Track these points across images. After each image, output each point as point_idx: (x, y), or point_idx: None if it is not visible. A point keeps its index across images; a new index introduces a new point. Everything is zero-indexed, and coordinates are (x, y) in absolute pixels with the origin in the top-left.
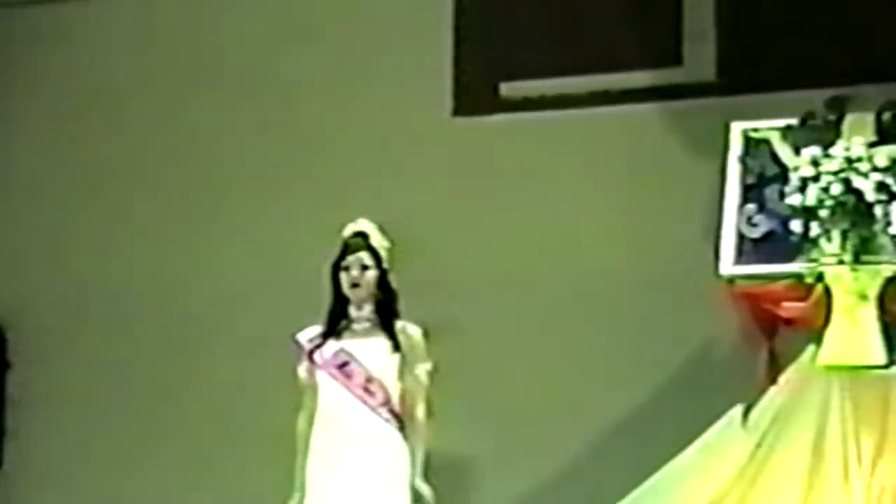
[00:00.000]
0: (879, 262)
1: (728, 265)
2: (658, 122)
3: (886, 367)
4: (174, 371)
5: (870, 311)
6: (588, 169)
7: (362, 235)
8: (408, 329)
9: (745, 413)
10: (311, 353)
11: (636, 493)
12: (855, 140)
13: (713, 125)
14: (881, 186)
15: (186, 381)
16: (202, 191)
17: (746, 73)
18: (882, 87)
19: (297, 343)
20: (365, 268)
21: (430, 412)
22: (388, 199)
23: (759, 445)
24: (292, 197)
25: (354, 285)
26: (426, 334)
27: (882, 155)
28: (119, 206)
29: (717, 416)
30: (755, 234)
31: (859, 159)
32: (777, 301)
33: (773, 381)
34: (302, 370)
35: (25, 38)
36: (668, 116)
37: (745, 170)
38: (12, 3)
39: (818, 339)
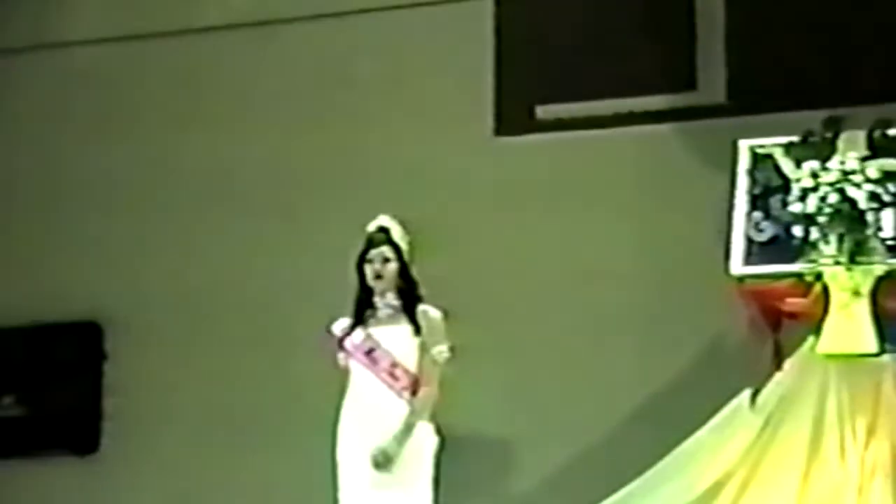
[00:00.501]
0: (871, 263)
1: (738, 266)
2: (675, 140)
3: (878, 355)
4: (258, 359)
5: (863, 306)
6: (612, 181)
7: (384, 231)
8: (429, 312)
9: (753, 397)
10: (341, 340)
11: (654, 469)
12: (849, 155)
13: (724, 142)
14: (873, 196)
15: (270, 368)
16: (280, 200)
17: (753, 96)
18: (873, 108)
19: (330, 333)
20: (387, 260)
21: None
22: (437, 205)
23: (765, 425)
24: (354, 205)
25: (377, 277)
26: (446, 317)
27: (873, 168)
28: (204, 212)
29: (728, 400)
30: (761, 238)
31: (853, 172)
32: (781, 297)
33: (777, 367)
34: (340, 357)
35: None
36: (684, 135)
37: (752, 181)
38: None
39: (817, 330)
